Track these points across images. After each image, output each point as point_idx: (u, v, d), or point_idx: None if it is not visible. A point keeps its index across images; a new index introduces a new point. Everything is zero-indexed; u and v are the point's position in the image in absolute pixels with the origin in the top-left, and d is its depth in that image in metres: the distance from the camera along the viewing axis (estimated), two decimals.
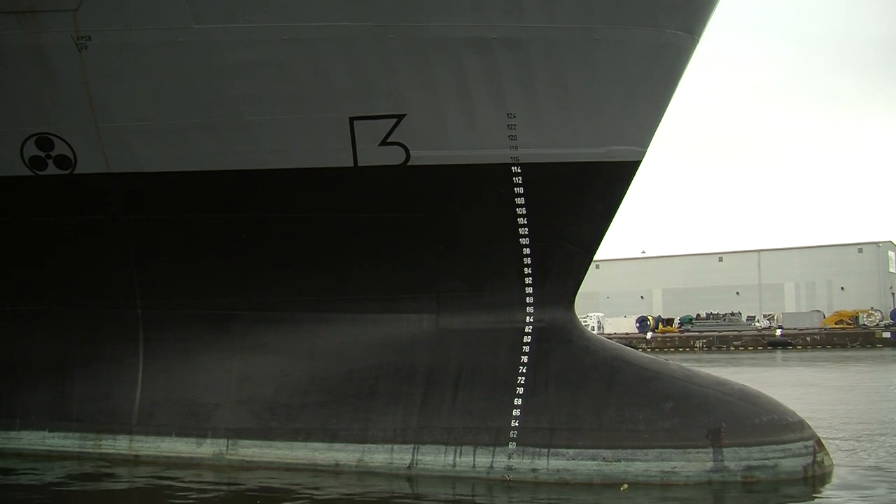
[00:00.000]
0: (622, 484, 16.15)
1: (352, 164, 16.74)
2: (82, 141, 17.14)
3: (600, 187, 17.46)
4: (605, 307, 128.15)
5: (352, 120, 16.33)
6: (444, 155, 16.72)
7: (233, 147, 16.85)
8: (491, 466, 16.81)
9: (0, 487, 17.54)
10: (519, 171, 16.87)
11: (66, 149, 17.26)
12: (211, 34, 15.52)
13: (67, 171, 17.57)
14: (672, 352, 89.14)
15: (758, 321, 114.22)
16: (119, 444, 18.99)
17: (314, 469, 17.63)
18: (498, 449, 16.93)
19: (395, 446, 17.40)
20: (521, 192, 17.07)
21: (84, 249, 18.72)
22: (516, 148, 16.66)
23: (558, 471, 16.51)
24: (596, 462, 16.40)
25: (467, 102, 16.27)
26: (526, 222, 17.29)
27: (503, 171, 16.87)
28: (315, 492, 16.48)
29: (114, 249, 18.51)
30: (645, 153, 17.50)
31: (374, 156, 16.63)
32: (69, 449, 19.27)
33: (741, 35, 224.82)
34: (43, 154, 17.37)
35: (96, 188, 17.75)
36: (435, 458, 17.16)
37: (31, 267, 19.16)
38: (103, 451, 19.07)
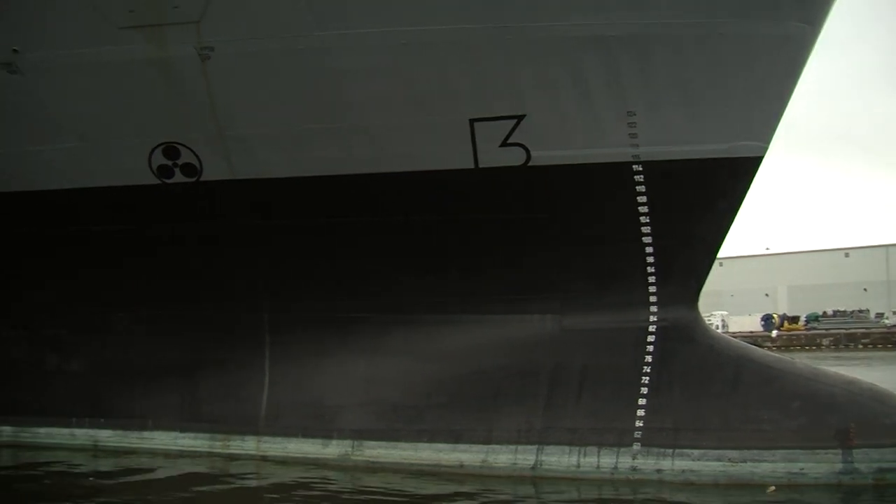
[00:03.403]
0: (750, 485, 15.88)
1: (472, 166, 16.79)
2: (207, 149, 17.51)
3: (723, 184, 17.19)
4: (728, 305, 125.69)
5: (472, 122, 16.37)
6: (565, 155, 16.65)
7: (355, 151, 17.03)
8: (615, 467, 16.70)
9: (139, 483, 18.04)
10: (640, 169, 16.72)
11: (192, 157, 17.64)
12: (331, 40, 15.66)
13: (193, 179, 17.96)
14: (798, 350, 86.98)
15: (886, 318, 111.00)
16: (247, 445, 19.33)
17: (438, 470, 17.72)
18: (622, 449, 16.81)
19: (519, 447, 17.38)
20: (643, 190, 16.89)
21: (210, 255, 19.12)
22: (637, 146, 16.51)
23: (683, 471, 16.33)
24: (721, 463, 16.17)
25: (587, 101, 16.19)
26: (648, 221, 17.14)
27: (624, 169, 16.74)
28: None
29: (239, 254, 18.88)
30: (767, 148, 17.16)
31: (494, 157, 16.65)
32: (199, 449, 19.69)
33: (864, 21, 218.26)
34: (170, 163, 17.79)
35: (222, 195, 18.11)
36: (559, 459, 17.10)
37: (161, 273, 19.62)
38: (232, 451, 19.44)
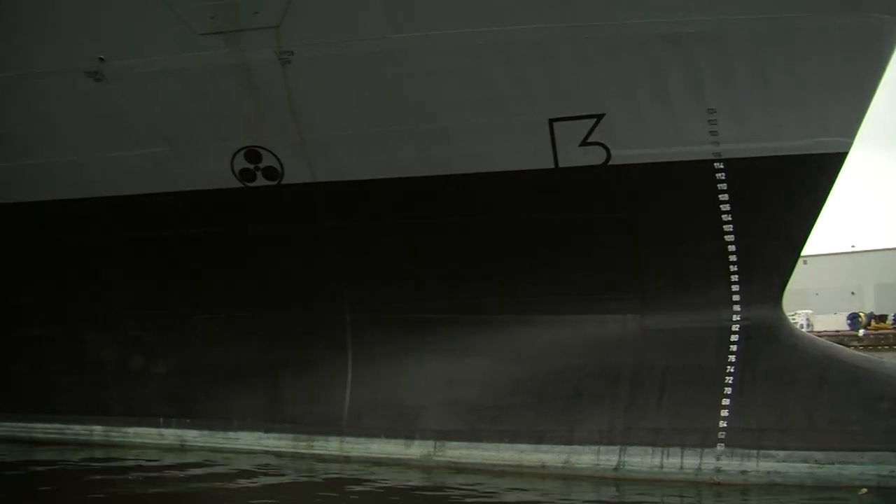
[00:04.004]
0: (838, 487, 15.61)
1: (553, 166, 16.75)
2: (288, 152, 17.70)
3: (806, 181, 16.92)
4: (813, 304, 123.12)
5: (551, 122, 16.33)
6: (645, 153, 16.55)
7: (433, 153, 17.10)
8: (699, 468, 16.55)
9: (224, 482, 18.29)
10: (721, 167, 16.54)
11: (274, 160, 17.84)
12: (408, 42, 15.76)
13: (275, 182, 18.17)
14: (886, 350, 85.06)
15: None
16: (330, 446, 19.45)
17: (520, 470, 17.70)
18: (706, 450, 16.65)
19: (602, 447, 17.30)
20: (725, 188, 16.71)
21: (292, 257, 19.32)
22: (718, 143, 16.35)
23: (768, 473, 16.15)
24: (808, 465, 15.96)
25: (666, 99, 16.06)
26: (730, 219, 16.93)
27: (705, 167, 16.57)
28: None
29: (321, 256, 19.05)
30: (852, 144, 16.87)
31: (574, 156, 16.60)
32: (283, 449, 19.85)
33: None
34: (252, 166, 18.01)
35: (303, 197, 18.28)
36: (641, 460, 17.00)
37: (243, 275, 19.87)
38: (315, 451, 19.57)
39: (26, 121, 18.17)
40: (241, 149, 17.82)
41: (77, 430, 22.00)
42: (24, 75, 17.37)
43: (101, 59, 16.89)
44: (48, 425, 22.21)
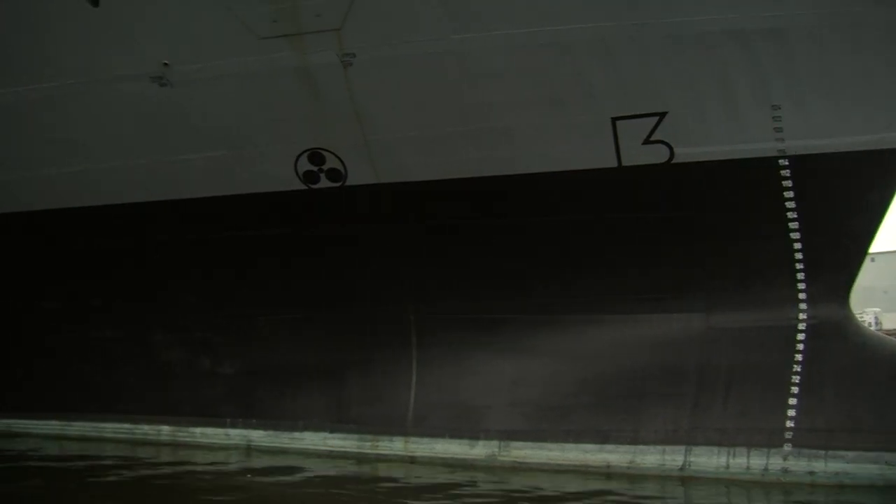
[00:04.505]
0: None
1: (616, 165, 16.71)
2: (352, 154, 17.78)
3: (873, 176, 16.64)
4: (882, 302, 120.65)
5: (614, 120, 16.29)
6: (709, 151, 16.43)
7: (496, 153, 17.11)
8: (766, 468, 16.43)
9: (292, 482, 18.44)
10: (787, 163, 16.39)
11: (337, 162, 17.94)
12: (470, 43, 15.75)
13: (339, 184, 18.27)
14: None
15: None
16: (395, 446, 19.52)
17: (585, 470, 17.66)
18: (773, 450, 16.53)
19: (667, 447, 17.25)
20: (790, 185, 16.55)
21: (356, 258, 19.42)
22: (783, 140, 16.18)
23: (837, 473, 15.98)
24: (878, 466, 15.78)
25: (729, 96, 15.94)
26: (795, 216, 16.76)
27: (770, 164, 16.43)
28: None
29: (385, 257, 19.13)
30: None
31: (637, 155, 16.54)
32: (348, 450, 19.94)
33: None
34: (315, 168, 18.13)
35: (366, 198, 18.38)
36: (707, 460, 16.91)
37: (308, 276, 19.97)
38: (380, 451, 19.64)
39: (94, 126, 18.41)
40: (305, 151, 17.94)
41: (146, 430, 22.28)
42: (91, 81, 17.58)
43: (166, 64, 17.06)
44: (118, 425, 22.52)
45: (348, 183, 18.25)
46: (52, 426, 23.25)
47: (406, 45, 16.00)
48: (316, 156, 17.97)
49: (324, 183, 18.37)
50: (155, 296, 21.72)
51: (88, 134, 18.71)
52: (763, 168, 16.45)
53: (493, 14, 15.50)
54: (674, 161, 16.52)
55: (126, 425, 22.44)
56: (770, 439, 16.65)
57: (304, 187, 18.50)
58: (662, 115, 16.12)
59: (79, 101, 18.10)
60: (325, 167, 18.11)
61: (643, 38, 15.38)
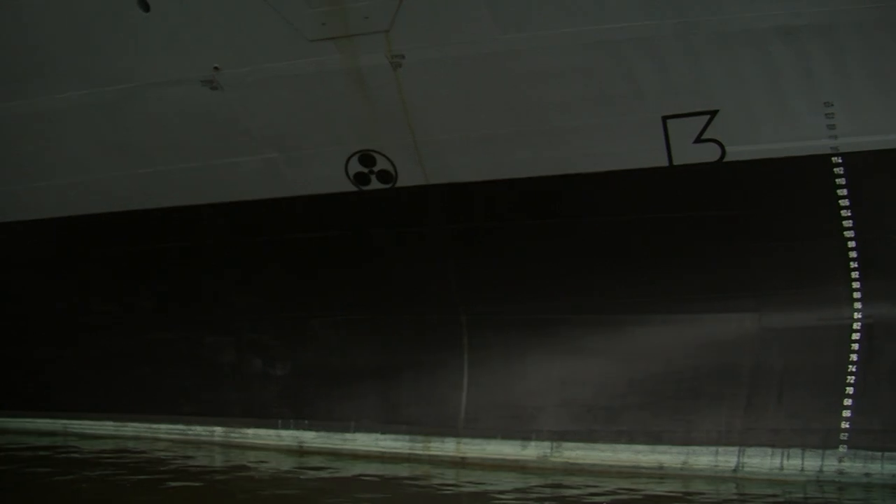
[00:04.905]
0: None
1: (667, 164, 16.62)
2: (402, 155, 17.82)
3: None
4: None
5: (664, 119, 16.20)
6: (761, 149, 16.27)
7: (547, 153, 17.07)
8: (820, 470, 16.25)
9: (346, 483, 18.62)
10: (840, 161, 16.19)
11: (388, 164, 17.99)
12: (517, 43, 15.71)
13: (389, 185, 18.32)
14: None
15: None
16: (446, 447, 19.52)
17: (637, 472, 17.63)
18: (827, 452, 16.35)
19: (720, 448, 17.14)
20: (843, 183, 16.35)
21: (406, 260, 19.45)
22: (836, 137, 15.98)
23: (894, 475, 15.81)
24: None
25: (780, 93, 15.77)
26: (849, 214, 16.54)
27: (822, 162, 16.24)
28: None
29: (435, 258, 19.14)
30: None
31: (688, 154, 16.43)
32: (399, 451, 19.95)
33: None
34: (366, 170, 18.20)
35: (416, 200, 18.43)
36: (761, 461, 16.77)
37: (358, 278, 20.05)
38: (431, 453, 19.65)
39: (146, 130, 18.62)
40: (356, 153, 18.00)
41: (198, 431, 22.40)
42: (143, 86, 17.78)
43: (216, 68, 17.18)
44: (171, 426, 22.68)
45: (399, 184, 18.30)
46: (107, 427, 23.46)
47: (455, 46, 15.98)
48: (366, 157, 18.03)
49: (374, 184, 18.43)
50: (207, 298, 21.91)
51: (140, 138, 18.92)
52: (816, 166, 16.26)
53: (540, 14, 15.45)
54: (725, 160, 16.39)
55: (179, 426, 22.61)
56: (825, 440, 16.49)
57: (354, 189, 18.58)
58: (713, 113, 16.00)
59: (132, 105, 18.32)
60: (375, 169, 18.17)
61: (692, 36, 15.25)
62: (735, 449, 17.09)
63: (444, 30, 15.83)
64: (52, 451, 22.25)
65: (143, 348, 22.78)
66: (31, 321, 23.84)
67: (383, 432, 20.24)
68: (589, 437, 18.26)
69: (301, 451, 20.97)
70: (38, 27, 17.64)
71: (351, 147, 17.98)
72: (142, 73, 17.68)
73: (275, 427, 21.49)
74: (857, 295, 17.04)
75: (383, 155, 17.88)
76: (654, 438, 17.72)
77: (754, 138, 16.18)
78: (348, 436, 20.61)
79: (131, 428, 23.18)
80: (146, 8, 16.47)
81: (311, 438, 21.04)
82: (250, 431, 21.81)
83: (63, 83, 18.30)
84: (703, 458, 17.26)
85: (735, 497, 16.44)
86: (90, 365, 23.37)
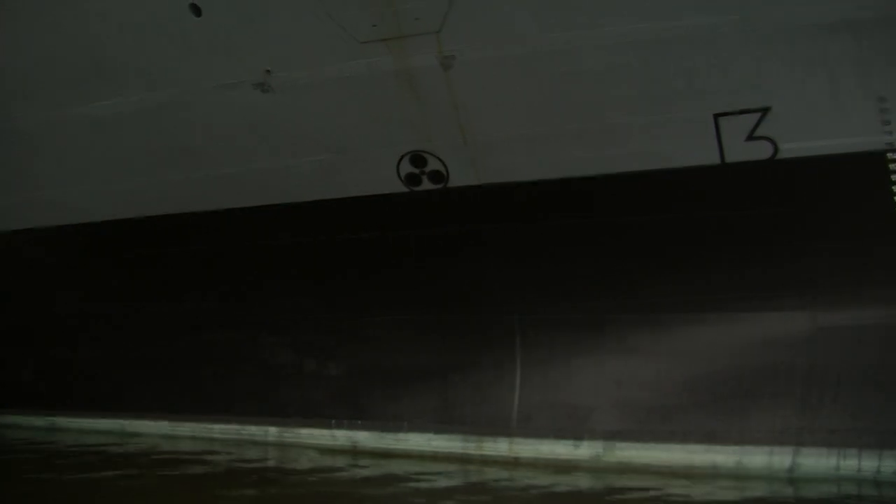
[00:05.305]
0: None
1: (718, 162, 16.50)
2: (454, 155, 17.84)
3: None
4: None
5: (716, 116, 16.05)
6: (814, 146, 16.03)
7: (599, 152, 16.97)
8: (878, 470, 16.09)
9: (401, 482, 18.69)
10: (895, 157, 16.04)
11: (439, 164, 18.02)
12: (568, 42, 15.59)
13: (440, 186, 18.37)
14: None
15: None
16: (499, 447, 19.54)
17: (691, 472, 17.55)
18: (885, 452, 16.19)
19: (775, 448, 17.03)
20: None
21: (457, 260, 19.48)
22: (891, 133, 15.73)
23: None
24: None
25: (834, 89, 15.48)
26: None
27: (878, 159, 16.00)
28: None
29: (488, 258, 19.15)
30: None
31: (741, 152, 16.27)
32: (452, 451, 20.04)
33: None
34: (417, 171, 18.25)
35: (469, 200, 18.44)
36: (817, 461, 16.64)
37: (411, 278, 20.14)
38: (484, 452, 19.69)
39: (200, 133, 18.79)
40: (407, 153, 18.06)
41: (253, 431, 22.63)
42: (197, 89, 17.94)
43: (268, 71, 17.29)
44: (226, 426, 22.93)
45: (450, 184, 18.34)
46: (163, 427, 23.81)
47: (506, 46, 15.89)
48: (418, 158, 18.07)
49: (426, 185, 18.48)
50: (261, 299, 22.13)
51: (195, 141, 19.11)
52: (871, 162, 16.02)
53: (591, 12, 15.32)
54: (778, 157, 16.23)
55: (234, 426, 22.85)
56: (882, 440, 16.33)
57: (406, 189, 18.65)
58: (766, 110, 15.83)
59: (185, 109, 18.49)
60: (426, 169, 18.21)
61: (745, 32, 15.05)
62: (790, 449, 16.97)
63: (495, 29, 15.75)
64: (109, 450, 22.72)
65: (198, 349, 23.07)
66: (89, 323, 24.20)
67: (436, 432, 20.33)
68: (642, 436, 18.23)
69: (355, 451, 21.09)
70: (97, 33, 17.85)
71: (402, 148, 18.03)
72: (194, 77, 17.83)
73: (329, 427, 21.64)
74: None
75: (434, 155, 17.92)
76: (708, 438, 17.64)
77: (808, 135, 15.92)
78: (401, 436, 20.71)
79: (187, 428, 23.48)
80: (198, 12, 16.62)
81: (364, 438, 21.16)
82: (304, 431, 21.98)
83: (120, 88, 18.51)
84: (758, 458, 17.16)
85: (791, 498, 16.36)
86: (147, 366, 23.74)
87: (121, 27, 17.51)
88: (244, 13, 16.64)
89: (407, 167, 18.28)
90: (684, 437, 17.85)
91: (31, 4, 17.92)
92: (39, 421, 25.78)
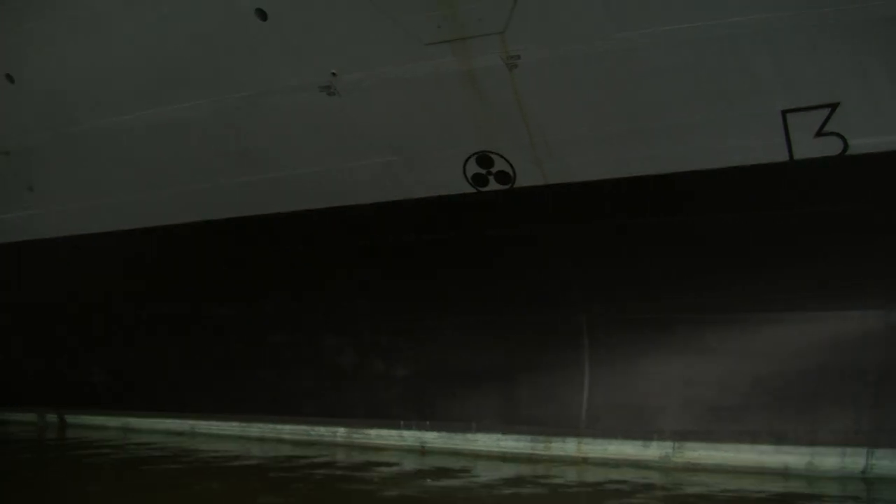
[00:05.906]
0: None
1: (787, 159, 16.30)
2: (520, 156, 17.80)
3: None
4: None
5: (784, 113, 15.86)
6: (885, 141, 15.79)
7: (665, 150, 16.86)
8: None
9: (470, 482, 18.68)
10: None
11: (506, 165, 18.01)
12: (634, 40, 15.51)
13: (507, 186, 18.35)
14: None
15: None
16: (567, 447, 19.52)
17: (761, 472, 17.41)
18: None
19: (847, 449, 16.82)
20: None
21: (524, 260, 19.44)
22: None
23: None
24: None
25: None
26: None
27: None
28: None
29: (555, 258, 19.09)
30: None
31: (810, 148, 16.06)
32: (521, 451, 20.04)
33: None
34: (484, 171, 18.25)
35: (535, 200, 18.40)
36: (891, 462, 16.43)
37: (478, 279, 20.12)
38: (552, 453, 19.67)
39: (267, 136, 18.96)
40: (473, 154, 18.06)
41: (321, 432, 22.80)
42: (264, 93, 18.11)
43: (334, 73, 17.38)
44: (295, 427, 23.13)
45: (517, 185, 18.31)
46: (233, 427, 24.08)
47: (570, 46, 15.85)
48: (484, 159, 18.07)
49: (492, 185, 18.47)
50: (328, 301, 22.25)
51: (260, 144, 19.28)
52: None
53: (655, 10, 15.26)
54: (847, 153, 16.00)
55: (303, 427, 23.03)
56: None
57: (473, 190, 18.66)
58: (834, 105, 15.62)
59: (252, 113, 18.67)
60: (493, 170, 18.21)
61: (810, 27, 14.84)
62: (863, 450, 16.75)
63: (558, 29, 15.71)
64: (178, 452, 23.01)
65: (266, 351, 23.25)
66: (159, 325, 24.47)
67: (504, 432, 20.32)
68: (711, 437, 18.11)
69: (423, 451, 21.18)
70: (166, 43, 18.07)
71: (468, 149, 18.04)
72: (261, 80, 18.00)
73: (397, 427, 21.74)
74: None
75: (501, 156, 17.90)
76: (779, 439, 17.47)
77: (878, 130, 15.67)
78: (469, 436, 20.74)
79: (256, 428, 23.70)
80: (264, 17, 16.76)
81: (432, 439, 21.23)
82: (373, 432, 22.10)
83: (189, 95, 18.75)
84: (830, 459, 16.98)
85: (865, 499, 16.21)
86: (216, 367, 23.99)
87: (191, 37, 17.77)
88: (309, 17, 16.79)
89: (473, 168, 18.29)
90: (754, 437, 17.70)
91: (103, 17, 18.25)
92: (112, 421, 26.33)
